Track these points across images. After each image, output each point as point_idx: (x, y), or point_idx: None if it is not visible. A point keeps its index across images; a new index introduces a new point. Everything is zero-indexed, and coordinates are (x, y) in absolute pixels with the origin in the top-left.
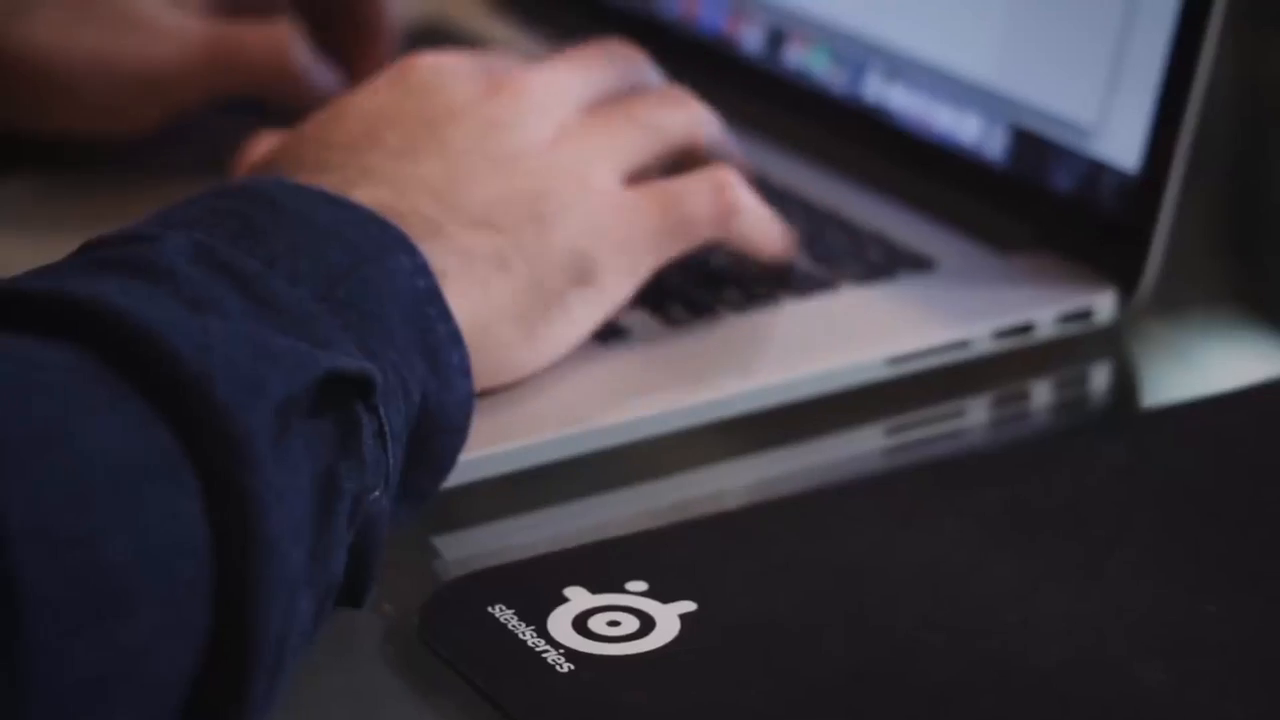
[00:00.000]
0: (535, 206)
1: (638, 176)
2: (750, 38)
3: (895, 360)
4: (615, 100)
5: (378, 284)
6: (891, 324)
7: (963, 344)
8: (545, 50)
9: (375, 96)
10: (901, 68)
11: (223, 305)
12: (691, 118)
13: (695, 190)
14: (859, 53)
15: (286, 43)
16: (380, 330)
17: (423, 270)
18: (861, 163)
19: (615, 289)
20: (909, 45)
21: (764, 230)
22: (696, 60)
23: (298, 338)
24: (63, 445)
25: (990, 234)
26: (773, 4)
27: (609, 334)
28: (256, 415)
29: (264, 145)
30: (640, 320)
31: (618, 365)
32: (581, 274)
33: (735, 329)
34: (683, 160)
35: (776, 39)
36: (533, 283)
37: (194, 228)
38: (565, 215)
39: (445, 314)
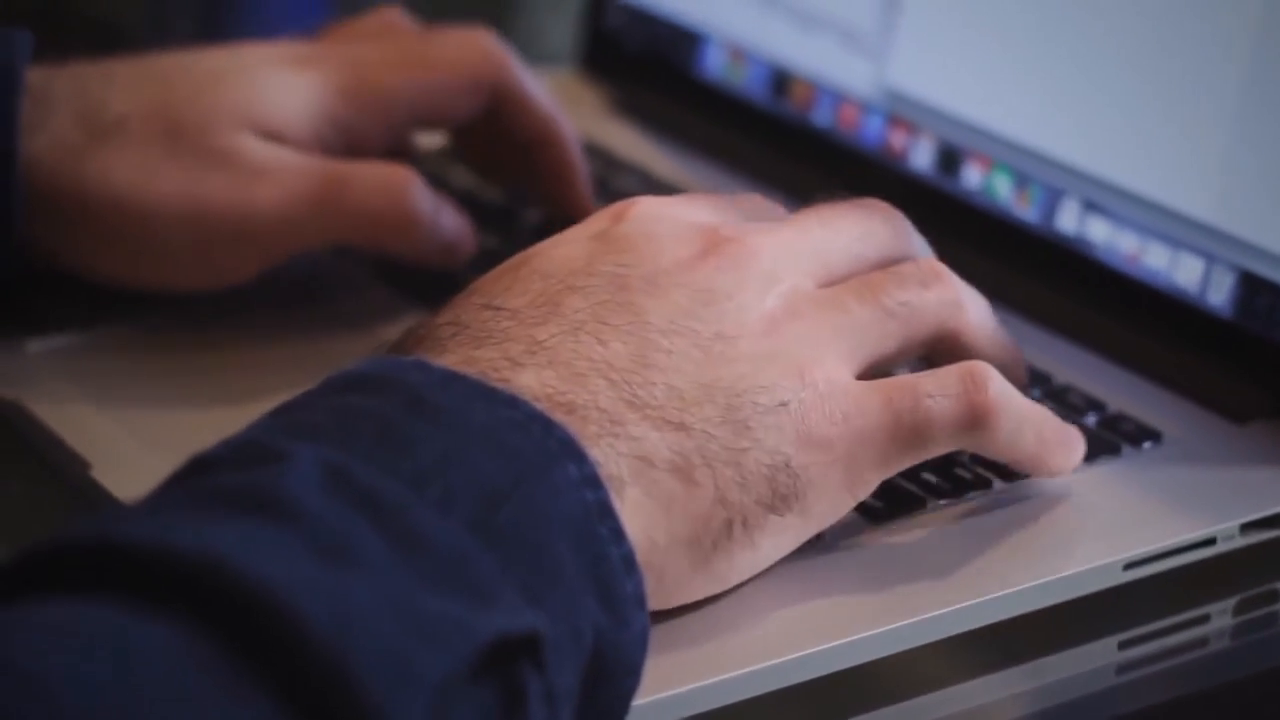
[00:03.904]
0: (735, 403)
1: (876, 370)
2: (918, 153)
3: (1134, 564)
4: (861, 276)
5: (542, 504)
6: (1125, 518)
7: (1209, 542)
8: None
9: (566, 247)
10: (1102, 197)
11: (362, 552)
12: (949, 300)
13: (939, 387)
14: (1050, 177)
15: (404, 186)
16: (546, 565)
17: (592, 481)
18: (1052, 305)
19: (821, 513)
20: (1112, 172)
21: (1033, 439)
22: (852, 177)
23: (453, 590)
24: None
25: (1217, 397)
26: (945, 115)
27: None
28: (407, 709)
29: None
30: None
31: (812, 577)
32: (780, 493)
33: (944, 527)
34: (939, 351)
35: (949, 157)
36: (719, 501)
37: (324, 438)
38: (771, 417)
39: (618, 533)
